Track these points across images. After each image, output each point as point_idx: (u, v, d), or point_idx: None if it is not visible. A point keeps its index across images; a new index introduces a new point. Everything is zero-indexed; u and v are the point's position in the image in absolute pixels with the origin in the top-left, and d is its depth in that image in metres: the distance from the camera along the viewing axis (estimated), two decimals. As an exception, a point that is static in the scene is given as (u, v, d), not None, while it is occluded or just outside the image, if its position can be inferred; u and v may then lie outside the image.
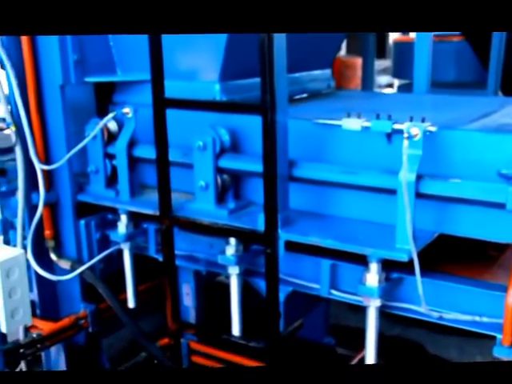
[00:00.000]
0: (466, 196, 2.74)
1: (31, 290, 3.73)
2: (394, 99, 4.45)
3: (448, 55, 6.94)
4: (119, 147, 3.68)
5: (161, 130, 3.25)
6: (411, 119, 2.76)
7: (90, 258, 3.85)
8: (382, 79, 11.41)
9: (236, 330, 3.50)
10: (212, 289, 4.51)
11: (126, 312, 3.73)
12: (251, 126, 3.31)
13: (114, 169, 3.81)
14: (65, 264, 3.83)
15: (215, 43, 3.46)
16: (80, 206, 3.86)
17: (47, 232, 3.84)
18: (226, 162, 3.35)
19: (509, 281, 2.71)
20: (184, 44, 3.53)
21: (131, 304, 3.91)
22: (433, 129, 2.74)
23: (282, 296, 3.26)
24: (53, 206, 3.83)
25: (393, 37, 9.38)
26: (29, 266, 3.41)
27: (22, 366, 3.91)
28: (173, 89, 3.26)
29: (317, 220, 3.22)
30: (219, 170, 3.36)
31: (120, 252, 3.90)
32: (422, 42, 4.46)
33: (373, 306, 2.96)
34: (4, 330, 2.63)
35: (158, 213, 3.43)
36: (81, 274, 3.76)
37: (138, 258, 3.94)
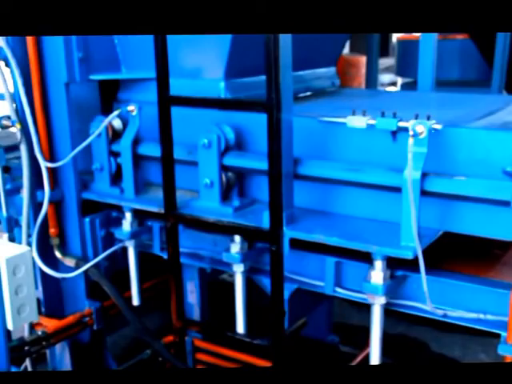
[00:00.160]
0: (471, 194, 2.74)
1: (36, 287, 3.74)
2: (399, 97, 4.44)
3: (452, 53, 6.93)
4: (124, 145, 3.69)
5: (166, 127, 3.26)
6: (416, 117, 2.76)
7: (95, 255, 3.86)
8: (385, 77, 11.41)
9: (240, 327, 3.50)
10: (215, 287, 4.52)
11: (130, 309, 3.74)
12: (256, 123, 3.33)
13: (119, 166, 3.82)
14: (69, 262, 3.84)
15: (220, 41, 3.46)
16: (85, 203, 3.87)
17: (52, 230, 3.84)
18: (231, 160, 3.35)
19: (514, 279, 2.72)
20: (189, 42, 3.54)
21: (136, 302, 3.91)
22: (438, 126, 2.74)
23: (286, 294, 3.27)
24: (57, 204, 3.84)
25: (396, 35, 9.36)
26: (34, 264, 3.41)
27: (27, 363, 3.92)
28: (178, 87, 3.27)
29: (321, 218, 3.22)
30: (224, 168, 3.37)
31: (124, 250, 3.91)
32: (426, 39, 4.45)
33: (377, 303, 2.96)
34: (10, 327, 2.63)
35: (162, 210, 3.44)
36: (85, 271, 3.77)
37: (142, 256, 3.95)
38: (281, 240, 3.06)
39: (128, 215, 3.76)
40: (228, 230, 3.30)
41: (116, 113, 3.67)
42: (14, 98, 3.61)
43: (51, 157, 3.74)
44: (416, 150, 2.71)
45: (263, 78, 2.91)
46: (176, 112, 3.25)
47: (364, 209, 3.17)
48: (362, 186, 3.08)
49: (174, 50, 3.23)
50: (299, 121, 3.10)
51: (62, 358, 4.07)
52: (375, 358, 3.09)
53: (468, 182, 2.75)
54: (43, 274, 3.79)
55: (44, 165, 3.63)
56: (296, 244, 3.12)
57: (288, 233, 3.07)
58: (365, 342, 4.53)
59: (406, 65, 7.51)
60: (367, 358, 4.28)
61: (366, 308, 4.42)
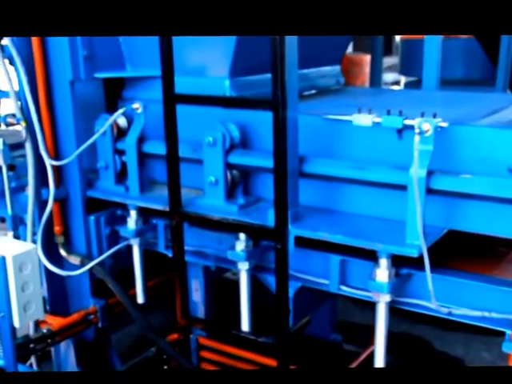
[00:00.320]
0: (477, 192, 2.74)
1: (40, 285, 3.74)
2: (403, 95, 4.44)
3: (456, 52, 6.93)
4: (129, 143, 3.69)
5: (171, 125, 3.26)
6: (422, 115, 2.76)
7: (100, 253, 3.86)
8: (388, 76, 11.38)
9: (245, 325, 3.50)
10: (219, 285, 4.52)
11: (135, 307, 3.74)
12: (260, 121, 3.33)
13: (124, 165, 3.82)
14: (74, 259, 3.84)
15: (225, 39, 3.46)
16: (89, 201, 3.88)
17: (57, 228, 3.85)
18: (236, 158, 3.36)
19: (518, 276, 2.72)
20: (194, 40, 3.53)
21: (140, 300, 3.92)
22: (444, 124, 2.74)
23: (290, 292, 3.27)
24: (62, 202, 3.85)
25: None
26: (39, 262, 3.42)
27: (32, 360, 3.93)
28: (182, 85, 3.26)
29: (326, 216, 3.23)
30: (229, 166, 3.37)
31: (128, 248, 3.91)
32: (431, 38, 4.45)
33: (382, 301, 2.96)
34: (17, 325, 2.64)
35: (167, 208, 3.44)
36: (90, 269, 3.77)
37: (145, 254, 3.95)
38: (286, 238, 3.06)
39: (133, 213, 3.76)
40: (233, 228, 3.30)
41: (121, 111, 3.67)
42: (19, 96, 3.62)
43: (56, 155, 3.75)
44: (422, 148, 2.71)
45: (268, 76, 2.91)
46: (180, 110, 3.25)
47: (369, 207, 3.17)
48: (367, 184, 3.08)
49: (179, 48, 3.22)
50: (304, 119, 3.10)
51: (66, 355, 4.08)
52: (380, 356, 3.09)
53: (473, 180, 2.75)
54: (48, 271, 3.79)
55: (49, 163, 3.63)
56: (301, 242, 3.13)
57: (293, 231, 3.08)
58: (368, 340, 4.55)
59: (410, 64, 7.51)
60: (371, 356, 4.30)
61: (370, 307, 4.43)
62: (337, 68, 4.55)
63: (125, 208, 3.86)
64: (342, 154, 3.20)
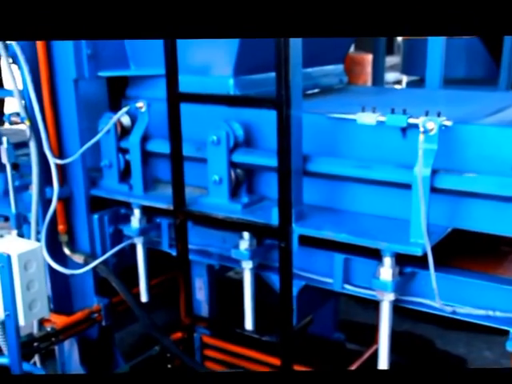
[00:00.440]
0: (481, 190, 2.75)
1: (45, 283, 3.75)
2: (407, 94, 4.45)
3: (459, 51, 6.92)
4: (133, 141, 3.69)
5: (175, 124, 3.27)
6: (427, 113, 2.76)
7: (103, 252, 3.87)
8: (390, 76, 11.36)
9: (249, 324, 3.50)
10: (222, 284, 4.52)
11: (139, 306, 3.74)
12: (264, 120, 3.34)
13: (127, 163, 3.83)
14: (78, 258, 3.84)
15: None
16: (93, 200, 3.88)
17: (61, 226, 3.85)
18: (240, 157, 3.36)
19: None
20: (198, 40, 3.54)
21: (144, 298, 3.92)
22: (448, 123, 2.74)
23: (294, 290, 3.26)
24: (66, 201, 3.85)
25: (402, 33, 9.31)
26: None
27: (36, 359, 3.93)
28: (186, 83, 3.27)
29: (330, 214, 3.23)
30: (233, 165, 3.37)
31: (132, 247, 3.92)
32: (435, 37, 4.44)
33: (386, 300, 2.96)
34: (22, 323, 2.64)
35: (171, 207, 3.45)
36: (94, 268, 3.78)
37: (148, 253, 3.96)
38: (290, 237, 3.07)
39: (137, 212, 3.77)
40: (237, 227, 3.31)
41: (125, 109, 3.67)
42: (23, 94, 3.62)
43: (60, 153, 3.75)
44: (426, 147, 2.71)
45: (272, 75, 2.92)
46: (184, 109, 3.26)
47: (373, 205, 3.18)
48: (371, 183, 3.09)
49: (183, 47, 3.23)
50: (308, 117, 3.10)
51: (70, 354, 4.08)
52: (384, 355, 3.09)
53: (478, 178, 2.75)
54: (52, 270, 3.79)
55: (53, 161, 3.64)
56: (304, 241, 3.13)
57: (297, 229, 3.08)
58: (370, 339, 4.56)
59: (412, 63, 7.49)
60: (374, 355, 4.31)
61: (372, 306, 4.43)
62: (340, 67, 4.55)
63: (128, 207, 3.86)
64: (346, 152, 3.20)
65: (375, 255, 2.97)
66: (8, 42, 3.52)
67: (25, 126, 3.65)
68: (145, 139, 3.71)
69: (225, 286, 4.94)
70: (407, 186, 2.85)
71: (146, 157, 3.75)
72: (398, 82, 10.84)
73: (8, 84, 3.65)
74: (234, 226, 3.32)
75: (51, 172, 3.66)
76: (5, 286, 2.56)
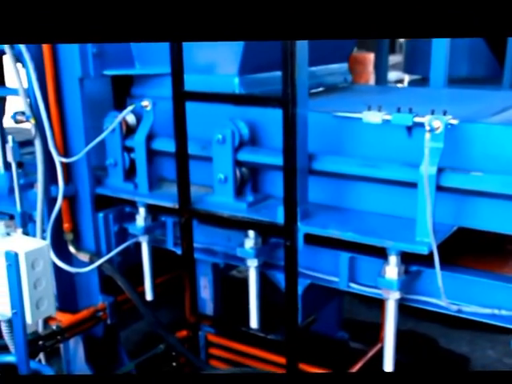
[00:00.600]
0: (487, 189, 2.75)
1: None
2: (411, 93, 4.44)
3: (461, 50, 6.91)
4: (138, 140, 3.70)
5: (180, 122, 3.27)
6: (432, 112, 2.77)
7: (108, 250, 3.87)
8: (392, 75, 11.34)
9: (254, 322, 3.51)
10: (225, 282, 4.53)
11: (145, 304, 3.75)
12: (269, 119, 3.34)
13: (132, 162, 3.83)
14: (83, 256, 3.85)
15: (234, 37, 3.46)
16: (98, 198, 3.88)
17: (66, 225, 3.86)
18: (245, 155, 3.36)
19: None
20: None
21: (149, 297, 3.92)
22: (454, 122, 2.74)
23: (299, 289, 3.27)
24: (71, 199, 3.85)
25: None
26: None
27: (41, 356, 3.93)
28: (191, 82, 3.27)
29: (335, 213, 3.23)
30: (238, 163, 3.38)
31: (136, 245, 3.92)
32: (439, 36, 4.44)
33: (392, 298, 2.96)
34: (29, 321, 2.65)
35: (176, 206, 3.45)
36: (99, 266, 3.78)
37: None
38: (295, 235, 3.07)
39: (142, 210, 3.77)
40: (243, 226, 3.31)
41: (130, 108, 3.68)
42: (28, 93, 3.62)
43: (65, 152, 3.75)
44: (432, 145, 2.71)
45: (277, 73, 2.93)
46: (189, 107, 3.26)
47: (378, 204, 3.18)
48: (377, 182, 3.09)
49: (188, 46, 3.23)
50: (314, 116, 3.11)
51: (75, 352, 4.08)
52: (389, 354, 3.09)
53: (484, 177, 2.75)
54: (57, 268, 3.79)
55: (58, 160, 3.64)
56: (309, 239, 3.13)
57: (302, 228, 3.09)
58: (374, 338, 4.56)
59: (415, 62, 7.49)
60: (378, 354, 4.32)
61: (376, 305, 4.43)
62: (344, 66, 4.56)
63: (133, 205, 3.87)
64: (351, 151, 3.21)
65: (380, 254, 2.97)
66: (13, 41, 3.52)
67: (28, 125, 3.65)
68: (150, 138, 3.71)
69: (228, 284, 4.95)
70: (412, 185, 2.85)
71: (151, 155, 3.75)
72: (400, 81, 10.83)
73: (13, 82, 3.65)
74: (240, 225, 3.32)
75: (56, 170, 3.66)
76: (12, 284, 2.56)
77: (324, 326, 4.38)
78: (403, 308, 3.11)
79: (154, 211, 3.81)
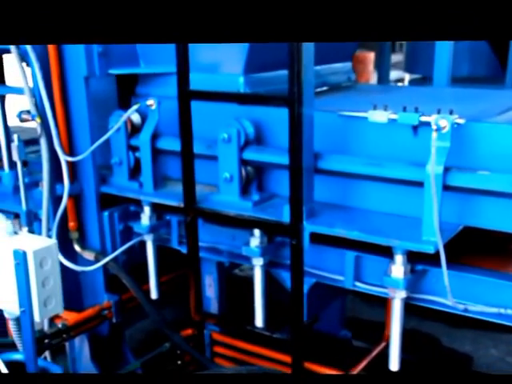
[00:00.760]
0: (493, 188, 2.75)
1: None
2: (415, 92, 4.44)
3: (462, 50, 6.92)
4: (143, 139, 3.70)
5: (186, 121, 3.28)
6: (439, 111, 2.77)
7: (113, 249, 3.88)
8: (392, 74, 11.32)
9: (259, 321, 3.51)
10: (227, 281, 4.53)
11: (150, 302, 3.76)
12: (274, 118, 3.35)
13: (137, 161, 3.84)
14: (89, 255, 3.86)
15: (240, 36, 3.46)
16: (103, 197, 3.89)
17: (71, 223, 3.86)
18: (251, 154, 3.37)
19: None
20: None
21: (154, 295, 3.93)
22: (461, 121, 2.74)
23: (305, 288, 3.27)
24: (76, 198, 3.86)
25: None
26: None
27: (46, 354, 3.94)
28: (196, 81, 3.27)
29: (341, 212, 3.24)
30: (243, 162, 3.38)
31: (141, 244, 3.93)
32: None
33: (398, 297, 2.97)
34: (37, 319, 2.66)
35: (182, 204, 3.46)
36: (105, 264, 3.79)
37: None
38: (301, 234, 3.08)
39: (147, 209, 3.77)
40: (249, 224, 3.31)
41: (135, 107, 3.69)
42: (34, 92, 3.62)
43: (70, 151, 3.76)
44: (439, 145, 2.72)
45: (281, 72, 2.93)
46: (193, 106, 3.27)
47: (384, 203, 3.18)
48: (382, 181, 3.09)
49: (193, 45, 3.22)
50: (319, 115, 3.10)
51: (81, 350, 4.09)
52: (395, 353, 3.10)
53: (490, 176, 2.75)
54: (62, 267, 3.76)
55: (64, 158, 3.64)
56: (315, 238, 3.13)
57: (308, 227, 3.09)
58: (376, 336, 4.57)
59: (415, 61, 7.49)
60: (382, 352, 4.33)
61: (378, 303, 4.44)
62: (348, 65, 4.56)
63: (138, 204, 3.87)
64: (356, 150, 3.21)
65: (386, 253, 2.97)
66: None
67: (32, 124, 3.66)
68: (155, 137, 3.72)
69: (230, 283, 4.96)
70: (418, 184, 2.86)
71: (156, 154, 3.76)
72: (400, 80, 10.83)
73: (18, 81, 3.64)
74: (246, 224, 3.32)
75: (61, 169, 3.66)
76: (20, 283, 2.57)
77: (327, 325, 4.39)
78: (406, 307, 3.12)
79: (158, 210, 3.82)
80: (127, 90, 4.11)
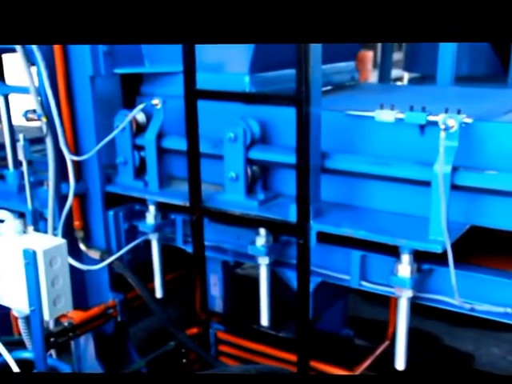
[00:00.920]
0: (501, 188, 2.76)
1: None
2: (419, 91, 4.44)
3: (462, 48, 6.90)
4: (148, 138, 3.70)
5: (192, 121, 3.28)
6: (446, 111, 2.78)
7: (118, 248, 3.88)
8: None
9: (264, 320, 3.52)
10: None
11: (155, 301, 3.76)
12: (279, 117, 3.36)
13: (142, 160, 3.84)
14: (94, 254, 3.86)
15: (246, 35, 3.46)
16: (108, 196, 3.89)
17: (76, 222, 3.86)
18: (257, 154, 3.37)
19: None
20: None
21: (159, 294, 3.94)
22: (469, 120, 2.75)
23: (311, 286, 3.28)
24: (82, 197, 3.86)
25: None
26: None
27: (52, 352, 3.94)
28: (201, 81, 3.27)
29: (348, 211, 3.24)
30: (249, 161, 3.39)
31: (146, 243, 3.93)
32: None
33: (405, 296, 2.98)
34: (47, 318, 2.67)
35: (187, 204, 3.46)
36: (110, 263, 3.79)
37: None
38: (308, 233, 3.08)
39: (152, 208, 3.78)
40: (255, 224, 3.32)
41: (141, 106, 3.69)
42: (39, 91, 3.62)
43: (76, 150, 3.76)
44: (447, 144, 2.72)
45: (286, 72, 2.94)
46: (198, 106, 3.27)
47: (390, 202, 3.19)
48: (389, 180, 3.10)
49: (199, 44, 3.23)
50: (325, 114, 3.10)
51: (86, 348, 4.10)
52: (401, 352, 3.11)
53: (498, 176, 2.76)
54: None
55: (69, 158, 3.64)
56: (321, 237, 3.14)
57: (315, 226, 3.10)
58: (378, 335, 4.59)
59: (415, 60, 7.49)
60: (385, 352, 4.34)
61: (377, 302, 4.45)
62: (351, 64, 4.56)
63: (143, 203, 3.87)
64: (363, 150, 3.22)
65: (391, 252, 2.98)
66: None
67: (35, 123, 3.66)
68: (160, 136, 3.72)
69: (234, 282, 4.97)
70: (424, 183, 2.87)
71: (161, 154, 3.76)
72: (399, 79, 10.83)
73: (22, 80, 3.65)
74: (252, 223, 3.33)
75: (67, 168, 3.66)
76: (30, 282, 2.58)
77: (329, 324, 4.41)
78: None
79: (163, 209, 3.82)
80: (131, 90, 4.11)
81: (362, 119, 3.15)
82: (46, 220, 3.74)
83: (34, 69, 3.60)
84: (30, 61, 3.60)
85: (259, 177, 3.49)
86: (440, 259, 2.86)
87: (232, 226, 3.54)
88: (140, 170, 3.87)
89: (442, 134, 2.72)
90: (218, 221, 3.53)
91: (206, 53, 3.64)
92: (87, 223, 3.92)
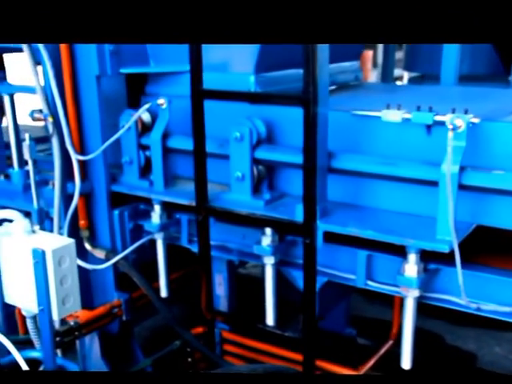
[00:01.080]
0: (509, 188, 2.76)
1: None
2: (423, 91, 4.44)
3: (462, 47, 6.90)
4: (154, 138, 3.71)
5: (198, 120, 3.28)
6: (453, 111, 2.78)
7: (123, 247, 3.89)
8: (391, 72, 11.31)
9: (270, 319, 3.52)
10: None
11: (160, 300, 3.77)
12: (286, 117, 3.36)
13: (148, 160, 3.85)
14: (99, 253, 3.86)
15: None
16: (113, 196, 3.89)
17: (82, 222, 3.87)
18: (263, 153, 3.38)
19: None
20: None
21: (164, 293, 3.94)
22: (476, 120, 2.76)
23: (317, 286, 3.28)
24: (87, 196, 3.86)
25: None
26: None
27: (58, 352, 3.94)
28: (207, 80, 3.27)
29: (354, 211, 3.25)
30: (255, 161, 3.39)
31: (151, 242, 3.94)
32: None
33: (411, 296, 2.98)
34: (55, 318, 2.67)
35: (192, 203, 3.47)
36: (115, 263, 3.80)
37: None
38: (314, 233, 3.09)
39: (157, 208, 3.78)
40: (261, 223, 3.32)
41: (147, 106, 3.70)
42: (45, 90, 3.62)
43: (81, 149, 3.76)
44: (455, 144, 2.73)
45: (292, 71, 2.94)
46: (204, 105, 3.27)
47: (397, 202, 3.19)
48: (396, 180, 3.10)
49: (204, 44, 3.24)
50: (332, 114, 3.10)
51: (91, 347, 4.10)
52: (407, 351, 3.12)
53: (505, 175, 2.77)
54: (73, 265, 3.81)
55: (75, 157, 3.65)
56: (327, 237, 3.14)
57: (322, 226, 3.10)
58: (380, 334, 4.60)
59: (415, 59, 7.49)
60: (389, 351, 4.35)
61: (378, 301, 4.45)
62: (356, 64, 4.56)
63: (148, 203, 3.88)
64: (369, 149, 3.22)
65: (398, 251, 2.99)
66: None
67: (39, 123, 3.65)
68: (165, 136, 3.72)
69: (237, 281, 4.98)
70: (431, 183, 2.87)
71: (167, 153, 3.76)
72: (399, 78, 10.83)
73: (30, 80, 3.64)
74: (258, 223, 3.33)
75: (72, 168, 3.66)
76: (39, 282, 2.58)
77: (332, 323, 4.41)
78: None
79: (168, 209, 3.83)
80: (136, 89, 4.11)
81: (368, 119, 3.16)
82: (50, 219, 3.73)
83: (39, 68, 3.60)
84: (36, 60, 3.60)
85: (265, 176, 3.49)
86: (446, 259, 2.87)
87: (238, 225, 3.55)
88: (145, 170, 3.88)
89: (450, 134, 2.73)
90: (223, 220, 3.54)
91: (212, 52, 3.64)
92: (92, 223, 3.92)
